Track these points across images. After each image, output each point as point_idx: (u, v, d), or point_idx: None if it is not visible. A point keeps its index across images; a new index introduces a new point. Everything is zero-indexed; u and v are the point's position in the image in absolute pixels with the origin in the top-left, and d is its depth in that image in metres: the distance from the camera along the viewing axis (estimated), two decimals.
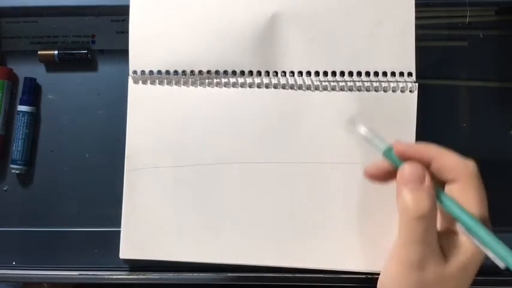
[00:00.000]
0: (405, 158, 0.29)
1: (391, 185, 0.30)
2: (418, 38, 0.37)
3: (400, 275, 0.28)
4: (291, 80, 0.38)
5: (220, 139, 0.38)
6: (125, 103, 0.39)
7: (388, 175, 0.30)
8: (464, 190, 0.28)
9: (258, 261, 0.38)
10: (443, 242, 0.28)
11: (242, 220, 0.38)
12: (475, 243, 0.27)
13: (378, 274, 0.31)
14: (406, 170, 0.28)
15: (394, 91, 0.38)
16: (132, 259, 0.39)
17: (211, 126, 0.38)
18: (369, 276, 0.37)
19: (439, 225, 0.29)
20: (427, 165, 0.28)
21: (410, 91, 0.38)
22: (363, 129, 0.30)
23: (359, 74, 0.38)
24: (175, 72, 0.38)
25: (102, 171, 0.42)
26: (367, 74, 0.38)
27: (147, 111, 0.39)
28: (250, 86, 0.38)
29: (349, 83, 0.38)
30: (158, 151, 0.38)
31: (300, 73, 0.38)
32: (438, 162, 0.28)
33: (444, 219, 0.30)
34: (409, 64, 0.37)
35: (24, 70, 0.44)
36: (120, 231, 0.38)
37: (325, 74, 0.38)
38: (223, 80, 0.38)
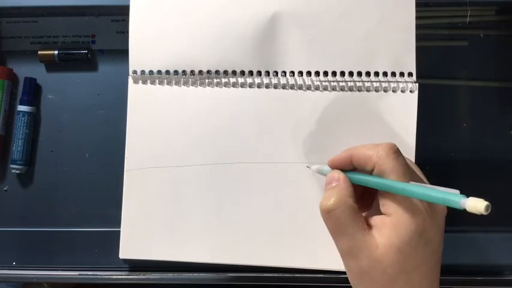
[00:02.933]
0: (338, 168, 0.32)
1: None
2: (418, 38, 0.37)
3: (345, 265, 0.30)
4: (291, 80, 0.38)
5: (220, 139, 0.38)
6: (125, 103, 0.39)
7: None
8: (382, 174, 0.29)
9: (258, 261, 0.38)
10: (374, 228, 0.29)
11: (242, 220, 0.38)
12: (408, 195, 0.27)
13: None
14: (327, 179, 0.31)
15: (394, 91, 0.38)
16: (131, 259, 0.39)
17: (211, 126, 0.38)
18: None
19: (371, 214, 0.30)
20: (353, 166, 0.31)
21: (411, 91, 0.38)
22: (314, 167, 0.35)
23: (359, 74, 0.38)
24: (175, 72, 0.38)
25: (102, 171, 0.42)
26: (367, 74, 0.38)
27: (147, 111, 0.39)
28: (250, 86, 0.38)
29: (349, 83, 0.38)
30: (158, 151, 0.38)
31: (300, 73, 0.38)
32: (355, 159, 0.30)
33: (374, 206, 0.31)
34: (409, 64, 0.37)
35: (24, 70, 0.44)
36: (120, 231, 0.38)
37: (325, 74, 0.38)
38: (223, 80, 0.38)
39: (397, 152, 0.29)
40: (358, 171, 0.31)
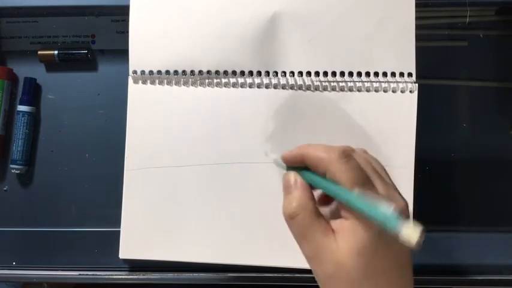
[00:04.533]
0: (292, 164, 0.31)
1: None
2: (418, 38, 0.37)
3: (313, 271, 0.29)
4: (291, 80, 0.38)
5: (220, 139, 0.38)
6: (125, 103, 0.39)
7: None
8: (333, 178, 0.28)
9: (258, 261, 0.38)
10: (336, 232, 0.28)
11: (242, 220, 0.38)
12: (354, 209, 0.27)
13: None
14: (283, 180, 0.31)
15: (394, 91, 0.38)
16: (131, 259, 0.39)
17: (211, 126, 0.38)
18: None
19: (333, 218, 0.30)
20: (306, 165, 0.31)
21: (411, 91, 0.38)
22: (272, 156, 0.36)
23: (359, 74, 0.38)
24: (175, 72, 0.38)
25: (102, 171, 0.42)
26: (367, 74, 0.38)
27: (147, 111, 0.39)
28: (250, 86, 0.38)
29: (349, 83, 0.38)
30: (158, 151, 0.38)
31: (300, 73, 0.38)
32: (308, 160, 0.30)
33: (337, 210, 0.30)
34: (409, 64, 0.37)
35: (24, 70, 0.44)
36: (120, 231, 0.38)
37: (325, 74, 0.38)
38: (223, 80, 0.38)
39: (348, 156, 0.28)
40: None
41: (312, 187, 0.30)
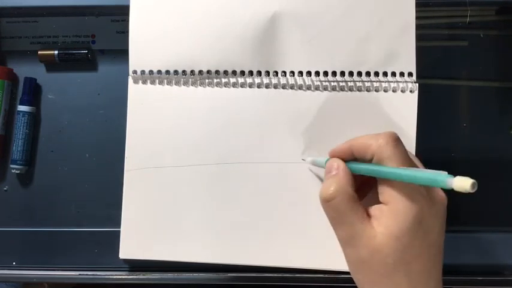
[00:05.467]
0: (339, 157, 0.32)
1: None
2: (418, 38, 0.37)
3: (344, 254, 0.30)
4: (291, 80, 0.38)
5: (220, 139, 0.38)
6: (125, 103, 0.39)
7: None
8: (380, 162, 0.29)
9: (258, 261, 0.38)
10: (373, 218, 0.29)
11: (242, 220, 0.38)
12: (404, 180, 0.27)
13: None
14: (326, 167, 0.31)
15: (394, 91, 0.38)
16: (132, 259, 0.39)
17: (211, 126, 0.38)
18: None
19: (370, 203, 0.30)
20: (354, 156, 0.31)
21: (411, 91, 0.38)
22: (309, 159, 0.36)
23: (359, 74, 0.38)
24: (175, 72, 0.38)
25: (102, 171, 0.42)
26: (367, 74, 0.38)
27: (147, 111, 0.39)
28: (250, 86, 0.38)
29: (349, 83, 0.38)
30: (158, 151, 0.38)
31: (300, 73, 0.38)
32: (355, 149, 0.30)
33: (373, 197, 0.31)
34: (409, 64, 0.37)
35: (24, 70, 0.44)
36: (120, 231, 0.38)
37: (325, 74, 0.38)
38: (223, 80, 0.38)
39: (396, 140, 0.29)
40: (359, 161, 0.31)
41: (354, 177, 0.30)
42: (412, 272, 0.28)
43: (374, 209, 0.29)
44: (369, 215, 0.29)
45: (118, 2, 0.42)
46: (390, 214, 0.28)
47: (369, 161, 0.30)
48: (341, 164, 0.31)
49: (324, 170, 0.32)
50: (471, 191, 0.22)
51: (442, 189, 0.29)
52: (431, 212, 0.28)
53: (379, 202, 0.29)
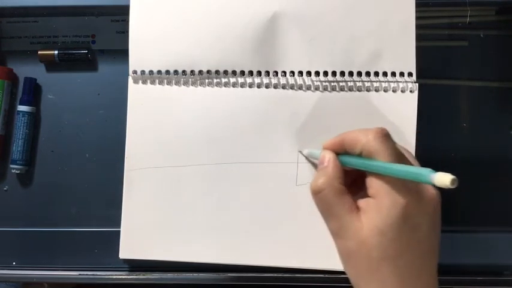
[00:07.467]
0: (331, 150, 0.32)
1: None
2: (418, 38, 0.37)
3: (336, 247, 0.30)
4: (291, 80, 0.38)
5: (220, 139, 0.38)
6: (125, 103, 0.39)
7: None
8: (368, 156, 0.29)
9: (258, 261, 0.38)
10: (362, 211, 0.29)
11: (242, 220, 0.38)
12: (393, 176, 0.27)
13: None
14: (319, 158, 0.32)
15: (394, 91, 0.38)
16: (131, 259, 0.39)
17: (211, 126, 0.38)
18: None
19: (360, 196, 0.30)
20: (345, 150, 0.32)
21: (411, 91, 0.38)
22: (305, 151, 0.37)
23: (359, 74, 0.38)
24: (175, 72, 0.38)
25: (102, 171, 0.42)
26: (367, 74, 0.38)
27: (147, 111, 0.39)
28: (250, 86, 0.38)
29: (349, 83, 0.38)
30: (158, 151, 0.38)
31: (300, 73, 0.38)
32: (346, 142, 0.31)
33: (364, 191, 0.31)
34: (409, 64, 0.37)
35: (24, 70, 0.44)
36: (120, 231, 0.38)
37: (325, 74, 0.38)
38: (223, 80, 0.38)
39: (385, 136, 0.29)
40: (350, 154, 0.31)
41: (346, 171, 0.31)
42: (399, 267, 0.28)
43: (362, 202, 0.29)
44: (358, 208, 0.29)
45: (118, 2, 0.42)
46: (376, 208, 0.28)
47: (358, 155, 0.30)
48: (332, 156, 0.31)
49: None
50: (451, 187, 0.22)
51: (436, 187, 0.29)
52: (419, 210, 0.28)
53: (368, 195, 0.29)
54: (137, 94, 0.39)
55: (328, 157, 0.31)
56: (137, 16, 0.39)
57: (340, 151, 0.32)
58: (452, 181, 0.22)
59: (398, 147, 0.30)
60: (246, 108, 0.38)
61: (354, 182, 0.32)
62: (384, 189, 0.28)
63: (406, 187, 0.27)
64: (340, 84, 0.38)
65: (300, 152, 0.38)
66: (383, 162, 0.28)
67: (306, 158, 0.37)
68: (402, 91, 0.38)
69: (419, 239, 0.28)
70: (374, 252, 0.27)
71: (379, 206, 0.28)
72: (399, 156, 0.29)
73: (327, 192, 0.29)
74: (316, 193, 0.30)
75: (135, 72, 0.39)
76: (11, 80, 0.44)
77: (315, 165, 0.37)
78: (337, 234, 0.29)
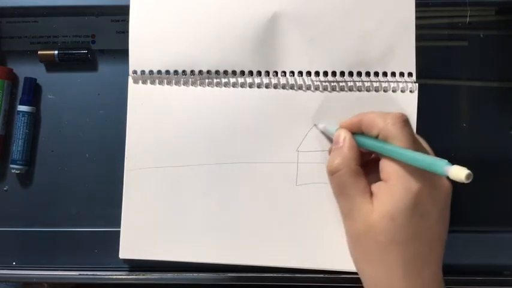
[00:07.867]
0: (348, 129, 0.32)
1: None
2: (418, 38, 0.37)
3: (344, 227, 0.30)
4: (291, 80, 0.38)
5: (220, 139, 0.38)
6: (125, 103, 0.39)
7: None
8: (385, 140, 0.29)
9: (259, 261, 0.38)
10: (374, 194, 0.29)
11: (242, 220, 0.38)
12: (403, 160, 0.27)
13: None
14: (334, 136, 0.32)
15: (394, 91, 0.38)
16: (131, 259, 0.39)
17: (211, 126, 0.38)
18: None
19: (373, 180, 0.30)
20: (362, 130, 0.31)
21: (411, 91, 0.38)
22: (320, 126, 0.37)
23: (359, 74, 0.38)
24: (175, 72, 0.38)
25: (102, 171, 0.42)
26: (367, 74, 0.38)
27: (147, 111, 0.39)
28: (250, 86, 0.38)
29: (349, 83, 0.38)
30: (158, 151, 0.38)
31: (300, 73, 0.38)
32: (364, 123, 0.31)
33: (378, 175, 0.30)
34: (409, 64, 0.37)
35: (24, 70, 0.44)
36: (120, 231, 0.38)
37: (325, 74, 0.38)
38: (223, 80, 0.38)
39: (404, 122, 0.29)
40: (366, 135, 0.31)
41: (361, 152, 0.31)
42: (406, 253, 0.27)
43: (375, 186, 0.29)
44: (371, 191, 0.29)
45: (118, 2, 0.42)
46: (387, 192, 0.28)
47: (375, 137, 0.30)
48: (348, 135, 0.31)
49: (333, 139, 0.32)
50: (465, 181, 0.22)
51: (448, 179, 0.28)
52: (430, 197, 0.28)
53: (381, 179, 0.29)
54: (137, 94, 0.39)
55: (344, 136, 0.31)
56: (137, 16, 0.39)
57: (357, 131, 0.31)
58: (468, 176, 0.22)
59: (416, 135, 0.30)
60: (246, 108, 0.38)
61: (366, 164, 0.32)
62: (397, 173, 0.27)
63: (420, 174, 0.27)
64: (340, 84, 0.38)
65: (315, 125, 0.37)
66: (399, 148, 0.27)
67: (321, 131, 0.37)
68: (402, 91, 0.38)
69: (428, 227, 0.28)
70: (382, 236, 0.27)
71: (391, 190, 0.27)
72: (416, 144, 0.29)
73: (344, 172, 0.29)
74: (333, 173, 0.30)
75: (135, 72, 0.39)
76: (11, 80, 0.44)
77: (314, 166, 0.37)
78: (347, 215, 0.29)
